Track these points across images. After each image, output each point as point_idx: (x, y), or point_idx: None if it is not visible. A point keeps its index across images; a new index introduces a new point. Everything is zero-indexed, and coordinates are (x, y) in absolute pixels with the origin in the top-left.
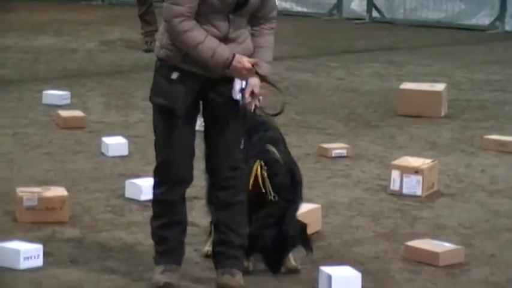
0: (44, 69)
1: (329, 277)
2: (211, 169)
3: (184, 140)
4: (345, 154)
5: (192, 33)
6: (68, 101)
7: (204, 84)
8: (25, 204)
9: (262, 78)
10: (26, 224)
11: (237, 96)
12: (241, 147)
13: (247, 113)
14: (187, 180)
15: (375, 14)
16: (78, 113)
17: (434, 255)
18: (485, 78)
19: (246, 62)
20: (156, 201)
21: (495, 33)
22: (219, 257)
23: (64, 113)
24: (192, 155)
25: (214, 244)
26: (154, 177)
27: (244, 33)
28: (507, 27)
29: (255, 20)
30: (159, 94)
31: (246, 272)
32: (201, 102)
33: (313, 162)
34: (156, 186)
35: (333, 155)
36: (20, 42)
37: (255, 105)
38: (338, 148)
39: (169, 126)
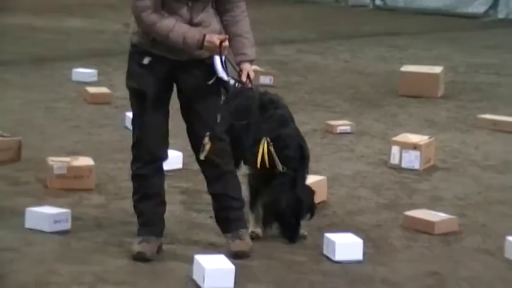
0: (73, 49)
1: (333, 243)
2: (195, 146)
3: (156, 121)
4: (349, 130)
5: (160, 24)
6: (95, 79)
7: (174, 67)
8: (55, 172)
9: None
10: (55, 191)
11: (220, 73)
12: (218, 121)
13: (230, 88)
14: (160, 157)
15: (378, 2)
16: (104, 90)
17: (431, 224)
18: (480, 62)
19: (216, 39)
20: (133, 176)
21: (489, 20)
22: (224, 222)
23: (91, 90)
24: (164, 134)
25: (216, 211)
26: (132, 154)
27: (208, 16)
28: (500, 15)
29: (222, 7)
30: (131, 78)
31: (256, 238)
32: (174, 84)
33: (320, 138)
34: (132, 162)
35: (338, 131)
36: (51, 24)
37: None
38: (343, 125)
39: (141, 108)
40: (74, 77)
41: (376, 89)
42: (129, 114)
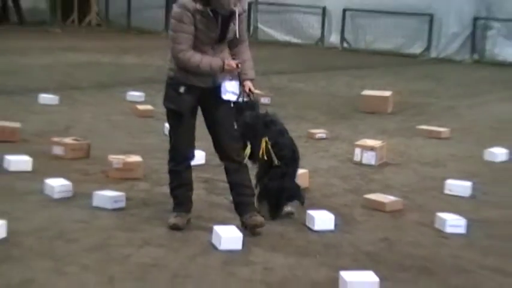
0: (127, 78)
1: (313, 217)
2: (220, 152)
3: (187, 132)
4: (325, 137)
5: (193, 59)
6: (143, 99)
7: (201, 93)
8: (114, 166)
9: (251, 80)
10: (114, 179)
11: (225, 95)
12: (235, 127)
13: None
14: (189, 157)
15: (345, 44)
16: (149, 107)
17: (383, 204)
18: (417, 88)
19: (233, 62)
20: (170, 171)
21: (424, 59)
22: (240, 207)
23: (140, 107)
24: (192, 140)
25: (234, 198)
26: (169, 155)
27: (223, 50)
28: (432, 55)
29: (233, 44)
30: (170, 101)
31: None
32: (199, 107)
33: (304, 142)
34: (169, 161)
35: (317, 137)
36: (112, 60)
37: (250, 98)
38: (320, 132)
39: (177, 123)
40: (128, 98)
41: (344, 107)
42: (167, 125)
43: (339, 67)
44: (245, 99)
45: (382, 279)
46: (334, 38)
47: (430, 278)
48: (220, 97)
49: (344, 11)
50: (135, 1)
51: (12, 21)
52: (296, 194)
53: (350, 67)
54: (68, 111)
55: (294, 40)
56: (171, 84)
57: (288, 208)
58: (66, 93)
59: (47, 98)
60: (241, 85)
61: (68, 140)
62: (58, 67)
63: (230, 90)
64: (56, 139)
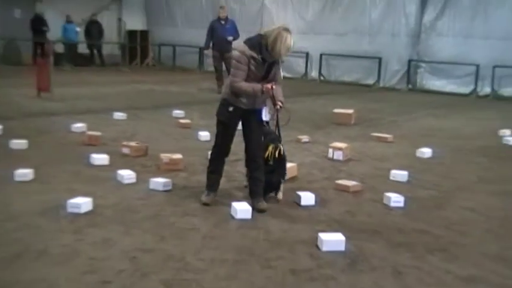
0: (173, 101)
1: (300, 196)
2: (248, 152)
3: (228, 137)
4: (308, 141)
5: (243, 88)
6: (183, 115)
7: (243, 112)
8: (164, 161)
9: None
10: (164, 171)
11: (264, 117)
12: (262, 140)
13: (269, 125)
14: (227, 155)
15: (322, 78)
16: (188, 121)
17: (348, 187)
18: (371, 108)
19: (269, 85)
20: (210, 160)
21: (375, 87)
22: (253, 193)
23: (182, 121)
24: (230, 143)
25: (251, 186)
26: (212, 149)
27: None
28: (381, 85)
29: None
30: (221, 115)
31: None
32: (240, 121)
33: (294, 144)
34: (211, 154)
35: (303, 141)
36: (163, 89)
37: (277, 116)
38: (305, 138)
39: (223, 130)
40: (173, 115)
41: (321, 120)
42: (200, 133)
43: (317, 93)
44: (278, 114)
45: (347, 237)
46: (314, 73)
47: (379, 237)
48: (256, 116)
49: (321, 55)
50: (178, 49)
51: (97, 64)
52: (278, 187)
53: (325, 93)
54: (133, 124)
55: (287, 75)
56: (224, 104)
57: (279, 194)
58: (131, 112)
59: (118, 115)
60: (274, 105)
61: (132, 144)
62: (126, 94)
63: (266, 114)
64: (124, 143)
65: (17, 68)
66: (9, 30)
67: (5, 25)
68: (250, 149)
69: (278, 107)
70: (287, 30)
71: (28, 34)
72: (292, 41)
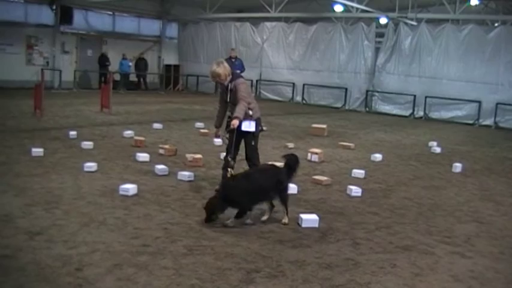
0: (196, 116)
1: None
2: (247, 158)
3: (236, 144)
4: (293, 147)
5: (249, 106)
6: (203, 126)
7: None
8: (188, 159)
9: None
10: (189, 167)
11: (244, 128)
12: (253, 144)
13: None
14: (234, 156)
15: (304, 101)
16: (206, 130)
17: (321, 181)
18: (340, 124)
19: (240, 117)
20: (224, 159)
21: (342, 110)
22: None
23: (202, 131)
24: (237, 148)
25: None
26: (226, 152)
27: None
28: (346, 108)
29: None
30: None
31: None
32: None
33: (282, 149)
34: (225, 156)
35: (289, 147)
36: (187, 107)
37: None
38: (291, 144)
39: (232, 138)
40: (196, 126)
41: (303, 132)
42: (215, 139)
43: (300, 112)
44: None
45: (320, 217)
46: (298, 98)
47: (342, 217)
48: (240, 129)
49: (304, 85)
50: (201, 78)
51: (142, 89)
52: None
53: (306, 113)
54: (167, 132)
55: (278, 98)
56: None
57: (285, 219)
58: (166, 123)
59: (157, 126)
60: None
61: (166, 146)
62: (163, 110)
63: (246, 126)
64: (160, 145)
65: (88, 91)
66: (84, 64)
67: (81, 61)
68: (249, 156)
69: (232, 126)
70: (216, 61)
71: (96, 67)
72: (212, 67)
